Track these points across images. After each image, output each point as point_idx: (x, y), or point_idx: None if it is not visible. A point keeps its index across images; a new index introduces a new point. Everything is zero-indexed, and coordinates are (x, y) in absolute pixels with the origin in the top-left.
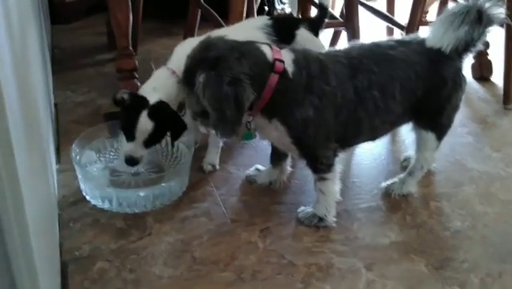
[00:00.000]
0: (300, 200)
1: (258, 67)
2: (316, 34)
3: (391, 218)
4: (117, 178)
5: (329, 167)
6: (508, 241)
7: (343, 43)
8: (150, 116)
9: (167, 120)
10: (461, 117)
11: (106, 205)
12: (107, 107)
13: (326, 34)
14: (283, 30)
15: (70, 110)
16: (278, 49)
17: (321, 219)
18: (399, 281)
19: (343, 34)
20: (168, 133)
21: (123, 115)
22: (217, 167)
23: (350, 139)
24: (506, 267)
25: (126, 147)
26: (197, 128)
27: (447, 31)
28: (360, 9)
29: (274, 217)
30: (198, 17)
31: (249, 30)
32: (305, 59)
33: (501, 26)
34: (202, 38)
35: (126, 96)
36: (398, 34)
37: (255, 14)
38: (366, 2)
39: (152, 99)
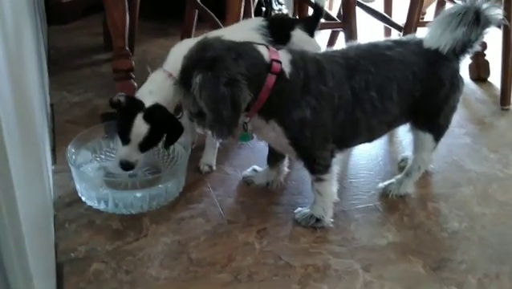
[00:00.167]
0: (297, 201)
1: (255, 68)
2: (311, 35)
3: (388, 219)
4: (113, 179)
5: (326, 168)
6: (505, 242)
7: (340, 44)
8: (145, 118)
9: (163, 123)
10: (458, 118)
11: (102, 206)
12: (103, 107)
13: (323, 35)
14: (278, 31)
15: (66, 110)
16: (275, 50)
17: (318, 220)
18: (396, 282)
19: (341, 35)
20: (164, 137)
21: (119, 118)
22: (214, 168)
23: (347, 140)
24: (504, 268)
25: (121, 151)
26: (194, 129)
27: (444, 32)
28: (358, 9)
29: (271, 218)
30: (195, 17)
31: (244, 31)
32: (302, 60)
33: (499, 27)
34: (199, 38)
35: (122, 99)
36: (395, 35)
37: (252, 14)
38: (363, 3)
39: (148, 102)
